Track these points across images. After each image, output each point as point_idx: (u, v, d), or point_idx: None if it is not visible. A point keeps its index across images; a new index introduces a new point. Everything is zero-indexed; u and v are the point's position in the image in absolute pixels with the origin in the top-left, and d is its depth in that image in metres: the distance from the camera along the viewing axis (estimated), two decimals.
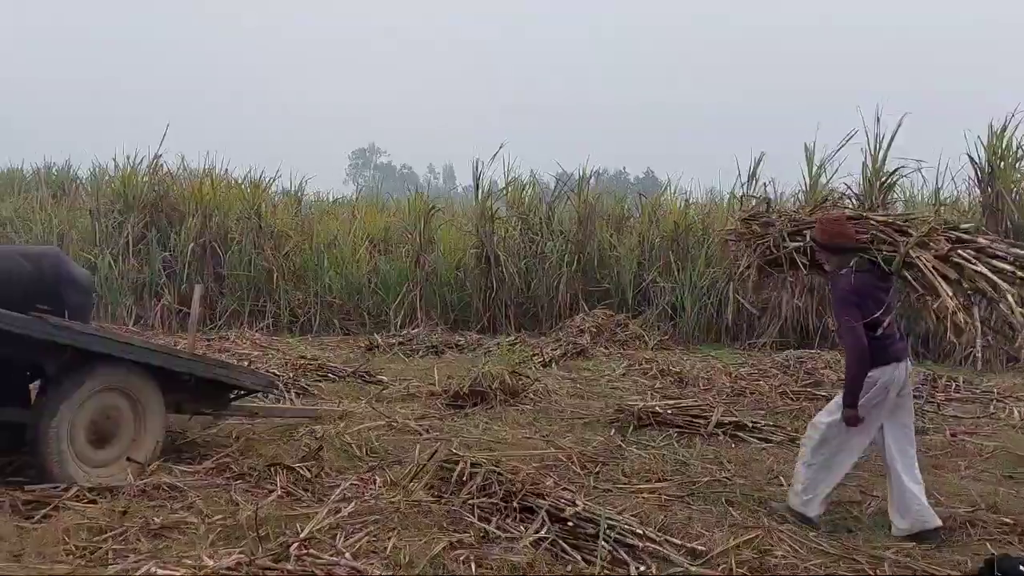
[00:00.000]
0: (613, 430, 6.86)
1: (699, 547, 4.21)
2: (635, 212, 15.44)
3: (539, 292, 13.98)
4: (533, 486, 4.58)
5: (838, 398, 4.77)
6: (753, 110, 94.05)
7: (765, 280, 5.76)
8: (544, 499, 4.43)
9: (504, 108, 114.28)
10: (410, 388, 8.40)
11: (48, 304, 5.05)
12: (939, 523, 4.61)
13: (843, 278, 4.66)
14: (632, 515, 4.55)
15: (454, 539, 4.07)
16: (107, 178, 15.30)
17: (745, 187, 13.74)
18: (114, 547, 3.89)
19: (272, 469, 5.17)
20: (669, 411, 7.12)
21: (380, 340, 11.59)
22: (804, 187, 13.32)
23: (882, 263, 4.63)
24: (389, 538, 4.04)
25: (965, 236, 4.66)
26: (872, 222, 4.85)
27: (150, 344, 5.64)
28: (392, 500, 4.58)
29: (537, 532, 4.17)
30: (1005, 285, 4.30)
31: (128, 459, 5.10)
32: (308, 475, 5.13)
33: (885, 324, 4.49)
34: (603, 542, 4.05)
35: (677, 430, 6.84)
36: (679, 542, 4.23)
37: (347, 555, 3.77)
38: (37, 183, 17.25)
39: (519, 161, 17.95)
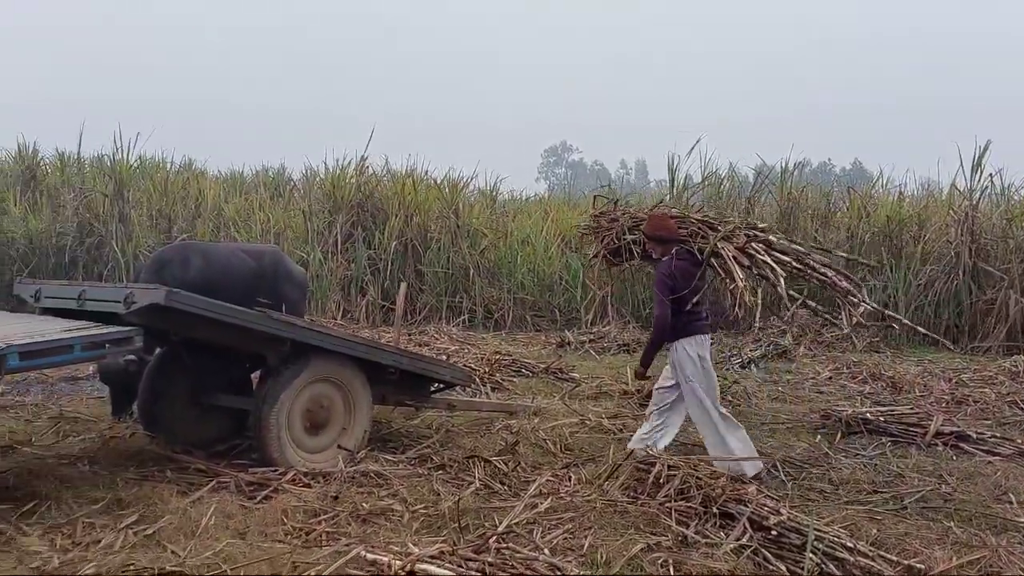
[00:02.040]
0: (819, 436, 6.52)
1: (917, 564, 3.91)
2: (842, 206, 14.59)
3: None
4: (734, 492, 4.42)
5: (666, 369, 5.65)
6: (979, 96, 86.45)
7: (612, 267, 6.55)
8: (746, 506, 4.29)
9: (695, 101, 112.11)
10: (602, 386, 8.35)
11: (268, 298, 5.45)
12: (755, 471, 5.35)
13: (664, 263, 5.52)
14: (842, 527, 4.31)
15: (651, 541, 4.01)
16: (318, 180, 16.32)
17: (968, 178, 12.56)
18: (327, 530, 4.13)
19: (470, 461, 5.32)
20: (882, 418, 6.69)
21: (571, 337, 11.64)
22: None
23: (696, 252, 5.51)
24: (585, 536, 4.04)
25: (759, 233, 5.61)
26: (692, 219, 5.75)
27: (359, 338, 5.92)
28: (588, 498, 4.57)
29: (738, 539, 4.05)
30: (780, 271, 5.34)
31: (339, 446, 5.39)
32: (505, 469, 5.22)
33: (694, 301, 5.38)
34: (810, 554, 3.85)
35: (891, 439, 6.42)
36: (895, 558, 3.96)
37: (545, 551, 3.79)
38: (256, 185, 18.60)
39: (717, 154, 17.44)
